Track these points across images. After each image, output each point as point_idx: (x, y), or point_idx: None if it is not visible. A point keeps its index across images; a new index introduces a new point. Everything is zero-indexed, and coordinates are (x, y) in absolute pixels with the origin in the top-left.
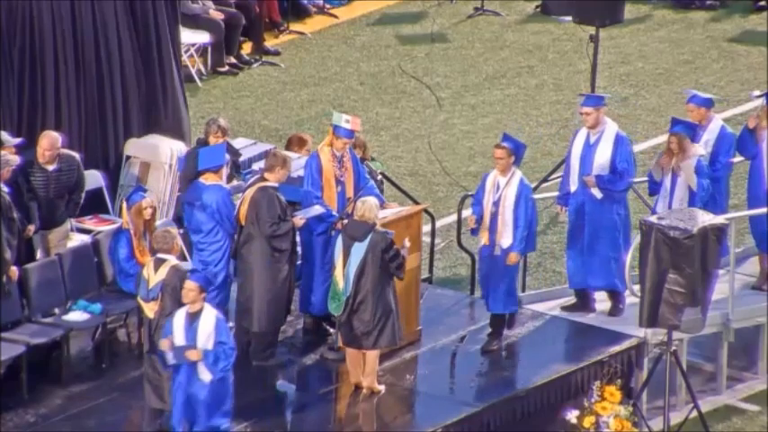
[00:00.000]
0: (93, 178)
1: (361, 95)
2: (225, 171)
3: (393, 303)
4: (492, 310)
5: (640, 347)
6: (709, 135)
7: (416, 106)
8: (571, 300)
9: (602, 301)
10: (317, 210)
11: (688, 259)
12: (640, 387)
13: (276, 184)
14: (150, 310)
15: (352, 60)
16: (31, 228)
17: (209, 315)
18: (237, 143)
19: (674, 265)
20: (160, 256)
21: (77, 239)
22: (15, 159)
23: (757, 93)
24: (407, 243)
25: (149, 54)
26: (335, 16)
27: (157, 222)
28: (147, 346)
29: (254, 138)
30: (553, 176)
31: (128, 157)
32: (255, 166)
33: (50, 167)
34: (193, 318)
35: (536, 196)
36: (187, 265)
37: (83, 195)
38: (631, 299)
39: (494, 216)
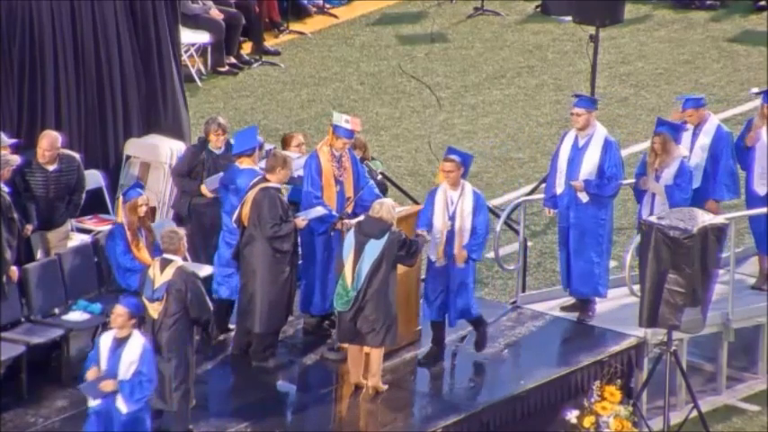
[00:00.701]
0: (93, 178)
1: (361, 95)
2: (258, 155)
3: (395, 305)
4: (453, 324)
5: (640, 347)
6: (705, 136)
7: (416, 106)
8: (570, 300)
9: (601, 301)
10: (318, 211)
11: (688, 259)
12: (640, 387)
13: (278, 185)
14: (155, 310)
15: (352, 60)
16: (29, 227)
17: (136, 342)
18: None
19: (674, 265)
20: (166, 256)
21: (77, 239)
22: (16, 159)
23: (756, 90)
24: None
25: (149, 54)
26: (335, 16)
27: (157, 222)
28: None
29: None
30: None
31: (128, 157)
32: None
33: (50, 168)
34: (120, 343)
35: (534, 197)
36: (194, 267)
37: (83, 196)
38: (631, 299)
39: (450, 230)
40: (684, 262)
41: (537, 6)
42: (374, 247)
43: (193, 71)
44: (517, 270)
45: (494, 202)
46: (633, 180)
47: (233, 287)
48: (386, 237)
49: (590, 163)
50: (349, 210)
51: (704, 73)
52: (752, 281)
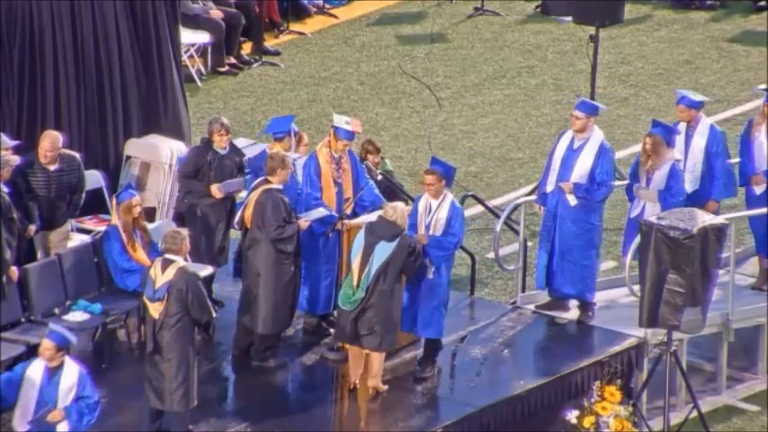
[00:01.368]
0: (93, 178)
1: (361, 95)
2: (291, 142)
3: (397, 311)
4: (423, 335)
5: (640, 347)
6: (700, 137)
7: (416, 106)
8: (546, 299)
9: (602, 301)
10: (320, 212)
11: (688, 259)
12: (640, 387)
13: (280, 186)
14: (155, 310)
15: (352, 60)
16: (32, 228)
17: (71, 369)
18: (237, 143)
19: (674, 266)
20: (168, 256)
21: (77, 239)
22: (15, 159)
23: (762, 86)
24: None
25: (149, 54)
26: (335, 16)
27: (157, 222)
28: (150, 346)
29: (254, 138)
30: None
31: (128, 157)
32: None
33: (52, 168)
34: (54, 372)
35: (534, 197)
36: (195, 268)
37: (83, 196)
38: (631, 298)
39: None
40: (684, 262)
41: (537, 6)
42: (384, 249)
43: (193, 71)
44: (517, 270)
45: (494, 202)
46: (628, 181)
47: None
48: (396, 241)
49: (582, 166)
50: (348, 210)
51: (704, 73)
52: (752, 281)
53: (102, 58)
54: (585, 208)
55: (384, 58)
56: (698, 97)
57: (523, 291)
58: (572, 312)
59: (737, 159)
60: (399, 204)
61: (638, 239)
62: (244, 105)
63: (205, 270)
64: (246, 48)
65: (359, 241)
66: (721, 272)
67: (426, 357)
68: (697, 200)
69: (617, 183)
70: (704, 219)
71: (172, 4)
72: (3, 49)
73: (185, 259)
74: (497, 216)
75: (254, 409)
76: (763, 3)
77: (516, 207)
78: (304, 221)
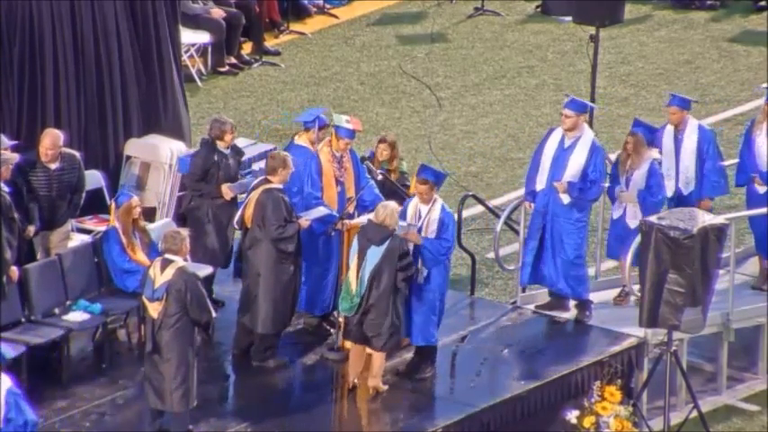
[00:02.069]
0: (94, 178)
1: (361, 95)
2: (316, 134)
3: (402, 309)
4: (416, 342)
5: (640, 347)
6: (690, 138)
7: (416, 106)
8: (545, 299)
9: (600, 300)
10: (321, 211)
11: (688, 259)
12: (640, 387)
13: (281, 186)
14: (154, 310)
15: (352, 60)
16: (32, 229)
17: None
18: (237, 143)
19: (674, 265)
20: (168, 256)
21: (77, 239)
22: (15, 157)
23: (764, 85)
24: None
25: (149, 54)
26: (335, 16)
27: (157, 222)
28: (149, 346)
29: (253, 138)
30: None
31: (128, 157)
32: (255, 167)
33: (53, 166)
34: None
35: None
36: (195, 268)
37: (83, 196)
38: (631, 298)
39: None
40: (684, 262)
41: (537, 6)
42: (374, 254)
43: (193, 71)
44: (517, 270)
45: (494, 203)
46: (608, 184)
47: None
48: (386, 244)
49: (575, 165)
50: (351, 209)
51: (704, 73)
52: (752, 281)
53: (102, 58)
54: (577, 206)
55: (384, 58)
56: (688, 97)
57: (523, 291)
58: (572, 312)
59: (737, 159)
60: (390, 203)
61: (636, 241)
62: (244, 105)
63: (204, 270)
64: (246, 48)
65: (354, 246)
66: (721, 272)
67: (423, 359)
68: (692, 202)
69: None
70: (704, 219)
71: (172, 4)
72: (3, 49)
73: (185, 260)
74: (497, 216)
75: (254, 409)
76: (763, 3)
77: (516, 207)
78: (305, 220)
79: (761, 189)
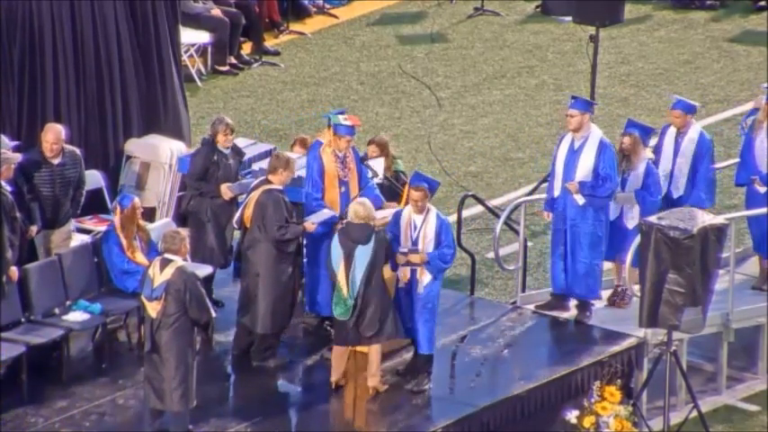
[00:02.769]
0: (94, 178)
1: (361, 95)
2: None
3: (387, 295)
4: (420, 351)
5: (640, 347)
6: (691, 142)
7: (416, 106)
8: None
9: (600, 301)
10: (326, 213)
11: (688, 259)
12: (640, 387)
13: (281, 187)
14: (153, 309)
15: (352, 60)
16: (34, 228)
17: None
18: (237, 143)
19: (674, 265)
20: (167, 256)
21: (77, 239)
22: (17, 157)
23: (766, 85)
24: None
25: (149, 54)
26: (335, 16)
27: (157, 222)
28: (148, 345)
29: (253, 138)
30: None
31: (128, 157)
32: (255, 167)
33: (56, 161)
34: None
35: (534, 197)
36: (194, 267)
37: (84, 193)
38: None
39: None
40: (684, 262)
41: (537, 6)
42: (364, 253)
43: (193, 71)
44: (517, 270)
45: (494, 203)
46: None
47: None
48: (373, 240)
49: (585, 165)
50: None
51: (704, 73)
52: (752, 281)
53: (102, 57)
54: (593, 205)
55: (384, 58)
56: (693, 102)
57: (523, 291)
58: (572, 312)
59: (737, 159)
60: (364, 200)
61: (636, 242)
62: (244, 105)
63: (204, 270)
64: (246, 48)
65: (336, 251)
66: (721, 272)
67: (422, 370)
68: (679, 204)
69: None
70: (704, 219)
71: (172, 5)
72: (3, 49)
73: (185, 259)
74: (497, 216)
75: (254, 409)
76: (763, 3)
77: (516, 207)
78: (310, 224)
79: (761, 190)
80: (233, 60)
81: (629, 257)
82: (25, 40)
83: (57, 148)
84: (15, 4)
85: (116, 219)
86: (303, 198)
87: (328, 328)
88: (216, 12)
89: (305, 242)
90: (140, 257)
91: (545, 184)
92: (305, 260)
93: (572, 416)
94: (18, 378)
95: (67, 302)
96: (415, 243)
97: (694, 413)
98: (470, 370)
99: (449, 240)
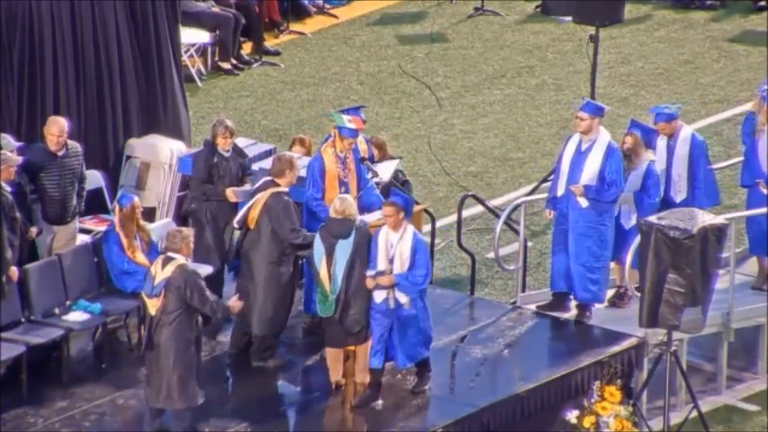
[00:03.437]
0: (94, 178)
1: (361, 95)
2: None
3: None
4: (402, 366)
5: (640, 347)
6: (683, 146)
7: (416, 106)
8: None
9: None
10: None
11: (688, 259)
12: (640, 387)
13: (287, 189)
14: (153, 306)
15: (352, 60)
16: (34, 230)
17: None
18: (238, 143)
19: (674, 265)
20: (169, 254)
21: (78, 239)
22: (17, 159)
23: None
24: None
25: (149, 54)
26: (335, 16)
27: (157, 222)
28: (146, 343)
29: (254, 138)
30: (551, 177)
31: (128, 157)
32: (255, 167)
33: (60, 153)
34: None
35: (534, 197)
36: (195, 266)
37: (85, 188)
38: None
39: (390, 273)
40: (684, 262)
41: (537, 6)
42: (344, 248)
43: (193, 71)
44: (517, 270)
45: (494, 203)
46: None
47: None
48: (353, 234)
49: (591, 168)
50: None
51: (704, 73)
52: (752, 281)
53: (102, 58)
54: (597, 209)
55: (384, 58)
56: (672, 108)
57: (523, 291)
58: (572, 312)
59: (737, 159)
60: (346, 196)
61: (636, 243)
62: (244, 105)
63: (205, 269)
64: (246, 48)
65: (318, 248)
66: (721, 272)
67: (419, 373)
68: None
69: None
70: (704, 219)
71: (172, 5)
72: (3, 49)
73: (187, 258)
74: (497, 216)
75: (254, 409)
76: (763, 3)
77: (516, 207)
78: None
79: (765, 192)
80: (233, 60)
81: (628, 259)
82: (25, 40)
83: (61, 140)
84: (15, 4)
85: (116, 218)
86: (305, 198)
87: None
88: (217, 10)
89: None
90: (140, 257)
91: (545, 184)
92: (303, 261)
93: (572, 416)
94: (18, 378)
95: (67, 302)
96: (391, 261)
97: (694, 413)
98: (470, 370)
99: (422, 261)
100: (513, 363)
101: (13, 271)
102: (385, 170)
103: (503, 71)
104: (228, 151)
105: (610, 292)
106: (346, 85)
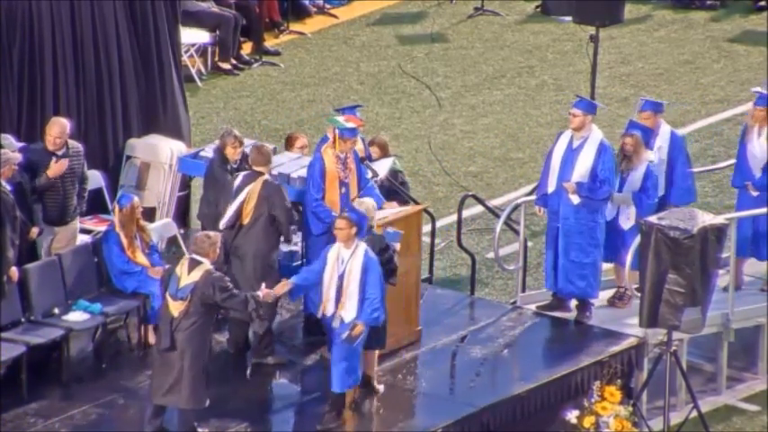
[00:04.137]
0: (94, 178)
1: (361, 95)
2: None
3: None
4: (332, 388)
5: (640, 347)
6: (662, 141)
7: (416, 106)
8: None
9: (597, 301)
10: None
11: (688, 259)
12: (640, 387)
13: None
14: (176, 308)
15: (352, 60)
16: (35, 230)
17: None
18: None
19: (674, 265)
20: (195, 257)
21: (78, 239)
22: (17, 157)
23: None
24: (396, 247)
25: (149, 54)
26: (335, 16)
27: (157, 222)
28: (166, 342)
29: (253, 138)
30: None
31: (128, 157)
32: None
33: (60, 153)
34: None
35: (534, 197)
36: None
37: (87, 189)
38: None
39: (338, 289)
40: (684, 262)
41: (537, 6)
42: None
43: (193, 71)
44: (517, 270)
45: (494, 203)
46: None
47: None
48: (365, 241)
49: (583, 165)
50: None
51: (704, 73)
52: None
53: (101, 58)
54: (588, 206)
55: (384, 58)
56: (660, 101)
57: (523, 291)
58: (573, 313)
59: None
60: (366, 200)
61: (636, 243)
62: (244, 105)
63: None
64: (246, 48)
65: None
66: (721, 272)
67: (332, 408)
68: (661, 206)
69: None
70: (704, 219)
71: (172, 5)
72: (3, 49)
73: (213, 264)
74: (497, 216)
75: (254, 409)
76: (763, 3)
77: (516, 207)
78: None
79: (754, 194)
80: (233, 60)
81: (628, 259)
82: (25, 40)
83: (60, 141)
84: (15, 4)
85: (116, 219)
86: (305, 199)
87: None
88: (217, 10)
89: (304, 242)
90: (140, 257)
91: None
92: (304, 260)
93: (572, 416)
94: (18, 378)
95: (68, 302)
96: (341, 277)
97: (694, 413)
98: (470, 370)
99: (374, 281)
100: (513, 363)
101: (13, 271)
102: (380, 168)
103: (503, 71)
104: (237, 161)
105: (610, 293)
106: (346, 85)
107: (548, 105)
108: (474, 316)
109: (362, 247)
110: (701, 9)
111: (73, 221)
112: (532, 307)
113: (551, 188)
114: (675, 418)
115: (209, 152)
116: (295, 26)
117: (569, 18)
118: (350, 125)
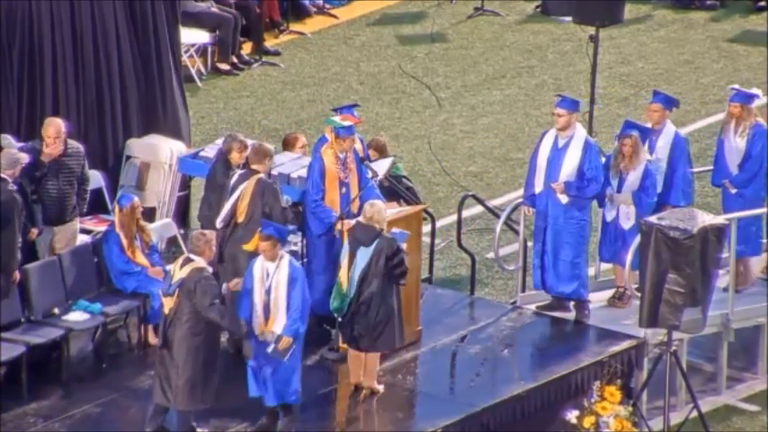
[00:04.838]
0: (94, 178)
1: (361, 95)
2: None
3: (395, 308)
4: (266, 403)
5: (640, 347)
6: (664, 140)
7: (416, 106)
8: (546, 299)
9: (597, 301)
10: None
11: (688, 259)
12: (640, 387)
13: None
14: (167, 304)
15: (352, 60)
16: (35, 231)
17: None
18: None
19: (674, 266)
20: (190, 255)
21: (78, 239)
22: (25, 157)
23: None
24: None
25: (149, 54)
26: (335, 16)
27: (157, 222)
28: (159, 340)
29: (254, 138)
30: None
31: (128, 157)
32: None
33: (57, 152)
34: None
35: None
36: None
37: (88, 190)
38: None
39: (266, 304)
40: (684, 262)
41: (537, 6)
42: (363, 255)
43: (193, 71)
44: (517, 270)
45: (494, 203)
46: None
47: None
48: (374, 244)
49: (570, 164)
50: (354, 209)
51: (704, 73)
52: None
53: (101, 58)
54: (576, 205)
55: (384, 58)
56: (673, 96)
57: (523, 291)
58: (572, 313)
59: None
60: (377, 202)
61: (636, 243)
62: (244, 105)
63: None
64: (246, 48)
65: (346, 244)
66: (721, 272)
67: (268, 421)
68: (659, 206)
69: None
70: (704, 219)
71: (172, 5)
72: (3, 49)
73: (209, 262)
74: (497, 216)
75: (254, 409)
76: (763, 3)
77: (516, 207)
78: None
79: (732, 191)
80: (233, 60)
81: (628, 259)
82: (25, 40)
83: (57, 142)
84: (15, 4)
85: (116, 219)
86: (305, 199)
87: (327, 327)
88: (217, 10)
89: (304, 242)
90: (140, 258)
91: None
92: (304, 260)
93: (572, 416)
94: (18, 378)
95: (68, 302)
96: (268, 292)
97: (694, 413)
98: (470, 370)
99: (298, 293)
100: (513, 363)
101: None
102: (380, 168)
103: (503, 71)
104: (239, 165)
105: (610, 292)
106: (346, 85)
107: (548, 105)
108: (474, 316)
109: (286, 258)
110: (701, 9)
111: (72, 221)
112: (532, 307)
113: (539, 188)
114: (675, 418)
115: (209, 152)
116: (295, 26)
117: (569, 18)
118: (346, 123)
